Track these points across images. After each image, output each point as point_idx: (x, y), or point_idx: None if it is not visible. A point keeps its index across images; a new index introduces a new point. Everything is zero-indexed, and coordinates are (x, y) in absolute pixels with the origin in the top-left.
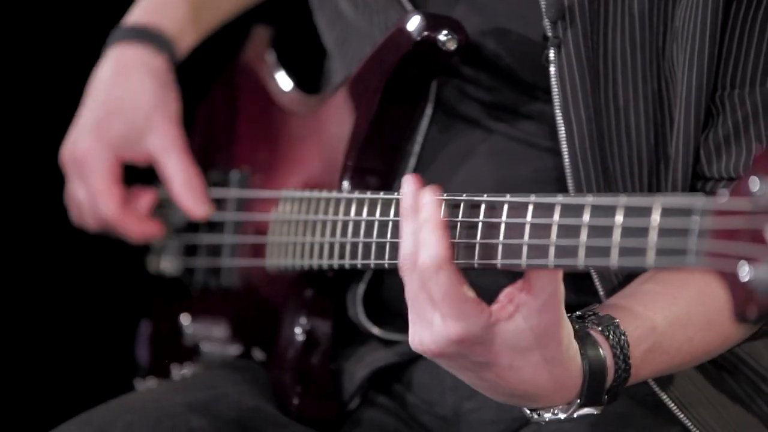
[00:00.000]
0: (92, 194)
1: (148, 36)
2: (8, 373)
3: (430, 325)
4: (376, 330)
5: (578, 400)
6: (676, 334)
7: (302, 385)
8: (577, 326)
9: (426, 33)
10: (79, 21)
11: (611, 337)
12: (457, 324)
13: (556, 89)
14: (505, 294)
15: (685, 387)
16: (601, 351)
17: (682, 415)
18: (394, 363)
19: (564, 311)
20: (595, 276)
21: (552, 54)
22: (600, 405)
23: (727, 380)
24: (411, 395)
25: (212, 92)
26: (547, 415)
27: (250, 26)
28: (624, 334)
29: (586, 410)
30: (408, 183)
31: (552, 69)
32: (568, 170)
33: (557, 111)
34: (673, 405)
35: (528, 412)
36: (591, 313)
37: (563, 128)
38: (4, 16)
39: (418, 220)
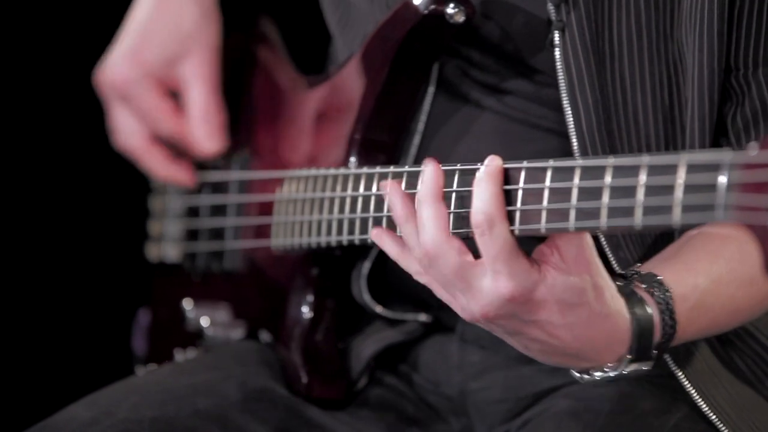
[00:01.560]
0: (146, 113)
1: None
2: (9, 361)
3: (480, 290)
4: (380, 309)
5: (628, 356)
6: (719, 292)
7: (310, 364)
8: (621, 284)
9: (433, 6)
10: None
11: (656, 293)
12: (510, 281)
13: (561, 73)
14: (536, 253)
15: (697, 364)
16: (647, 308)
17: (693, 392)
18: (401, 342)
19: (599, 264)
20: (611, 257)
21: (556, 37)
22: (649, 360)
23: (734, 359)
24: (417, 375)
25: None
26: (598, 374)
27: (250, 11)
28: (668, 291)
29: (635, 366)
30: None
31: (557, 52)
32: (577, 153)
33: (563, 95)
34: (685, 381)
35: (577, 374)
36: (633, 272)
37: (570, 112)
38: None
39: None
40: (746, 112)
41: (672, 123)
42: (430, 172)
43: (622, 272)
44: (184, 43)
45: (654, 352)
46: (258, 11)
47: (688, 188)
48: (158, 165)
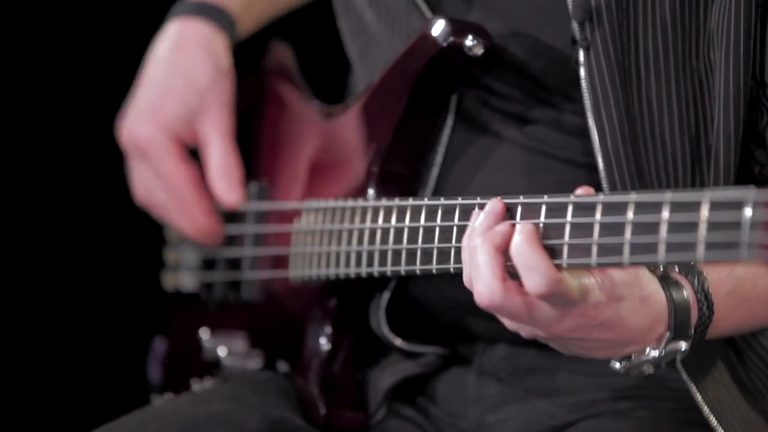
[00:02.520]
0: (168, 178)
1: (212, 12)
2: (25, 390)
3: (545, 320)
4: (398, 342)
5: (668, 334)
6: (755, 281)
7: (328, 396)
8: (656, 269)
9: (452, 38)
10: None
11: (690, 275)
12: (566, 306)
13: (586, 92)
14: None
15: (718, 392)
16: (684, 290)
17: (714, 421)
18: (418, 374)
19: None
20: None
21: (581, 56)
22: (689, 339)
23: (756, 383)
24: (435, 407)
25: None
26: (642, 358)
27: (266, 39)
28: (702, 273)
29: (676, 345)
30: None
31: (582, 71)
32: (602, 174)
33: (588, 114)
34: (705, 408)
35: (618, 365)
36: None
37: (596, 132)
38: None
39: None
40: None
41: (698, 141)
42: (482, 213)
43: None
44: (202, 98)
45: (692, 330)
46: (276, 38)
47: (712, 225)
48: (188, 225)
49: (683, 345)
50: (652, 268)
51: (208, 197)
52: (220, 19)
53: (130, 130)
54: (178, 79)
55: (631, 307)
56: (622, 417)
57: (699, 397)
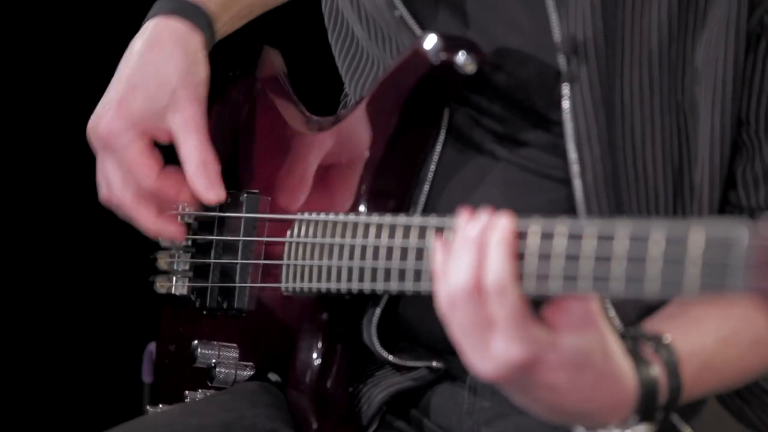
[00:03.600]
0: (127, 168)
1: (189, 11)
2: (18, 398)
3: (490, 352)
4: (390, 357)
5: (633, 417)
6: (726, 353)
7: (321, 409)
8: (626, 344)
9: (444, 54)
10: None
11: (663, 355)
12: (522, 347)
13: (569, 124)
14: (545, 313)
15: (707, 418)
16: (653, 368)
17: None
18: (411, 387)
19: (607, 324)
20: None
21: (566, 89)
22: (653, 421)
23: (744, 410)
24: (428, 420)
25: (215, 111)
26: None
27: (253, 46)
28: (675, 354)
29: (640, 428)
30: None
31: (566, 104)
32: (581, 206)
33: (570, 146)
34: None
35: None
36: (639, 332)
37: (576, 164)
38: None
39: (485, 246)
40: (755, 168)
41: (680, 176)
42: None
43: (629, 331)
44: (173, 94)
45: (659, 413)
46: (267, 45)
47: (703, 263)
48: (145, 220)
49: (648, 427)
50: (628, 343)
51: (169, 190)
52: (197, 17)
53: (96, 123)
54: (149, 74)
55: (592, 380)
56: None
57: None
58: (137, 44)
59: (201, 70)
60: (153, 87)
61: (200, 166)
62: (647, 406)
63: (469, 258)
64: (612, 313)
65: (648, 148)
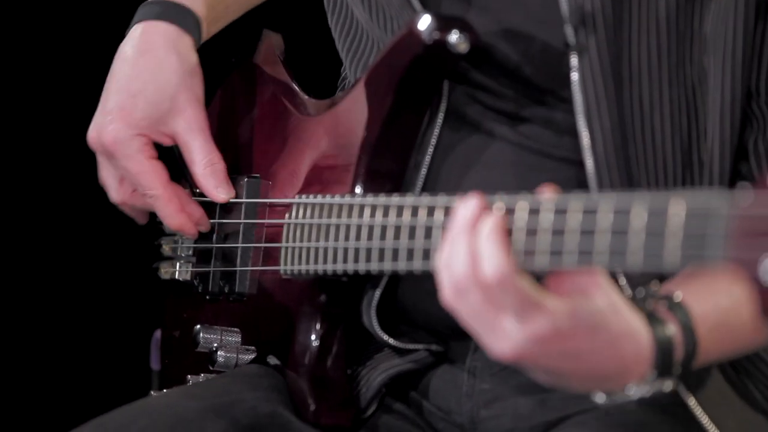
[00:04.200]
0: (134, 177)
1: (176, 13)
2: (22, 383)
3: (505, 333)
4: (391, 340)
5: (651, 373)
6: (740, 311)
7: (319, 391)
8: (639, 304)
9: (437, 34)
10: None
11: (676, 312)
12: (535, 322)
13: (578, 96)
14: (550, 283)
15: (710, 392)
16: (668, 327)
17: (707, 421)
18: (410, 370)
19: (611, 285)
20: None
21: (575, 60)
22: (672, 378)
23: (748, 386)
24: (427, 402)
25: (219, 97)
26: (621, 396)
27: (254, 31)
28: (688, 310)
29: (658, 384)
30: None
31: (574, 76)
32: (592, 179)
33: (580, 119)
34: (698, 409)
35: (600, 398)
36: (650, 292)
37: (586, 136)
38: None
39: (477, 235)
40: None
41: (690, 149)
42: (466, 204)
43: (639, 292)
44: (173, 98)
45: (677, 368)
46: (266, 28)
47: (684, 234)
48: (138, 216)
49: (668, 383)
50: (639, 303)
51: (180, 194)
52: (185, 19)
53: (98, 133)
54: (147, 81)
55: (608, 341)
56: (615, 411)
57: (691, 401)
58: (127, 51)
59: (196, 71)
60: (153, 93)
61: (208, 166)
62: (664, 360)
63: (464, 248)
64: (623, 281)
65: (657, 120)
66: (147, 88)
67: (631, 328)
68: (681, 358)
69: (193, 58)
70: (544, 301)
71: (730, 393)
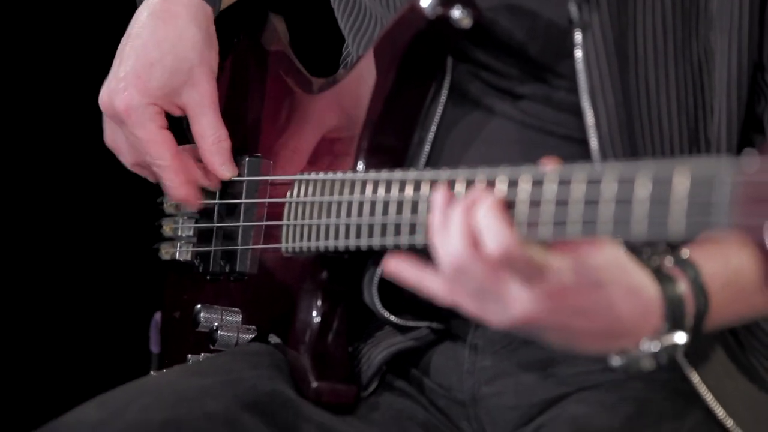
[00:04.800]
0: (144, 146)
1: None
2: (24, 362)
3: (512, 298)
4: (392, 318)
5: (664, 326)
6: (752, 270)
7: (320, 369)
8: (647, 261)
9: (439, 9)
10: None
11: (684, 268)
12: (542, 282)
13: (582, 74)
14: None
15: (713, 367)
16: (678, 283)
17: (709, 396)
18: (412, 347)
19: (613, 243)
20: None
21: (578, 37)
22: (684, 330)
23: (752, 361)
24: (429, 380)
25: (221, 77)
26: (639, 352)
27: (261, 12)
28: (696, 266)
29: (674, 337)
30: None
31: (578, 53)
32: (597, 155)
33: (584, 96)
34: (701, 384)
35: (616, 361)
36: (659, 250)
37: (591, 114)
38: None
39: (472, 214)
40: None
41: (696, 126)
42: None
43: (645, 249)
44: (190, 70)
45: (689, 320)
46: (269, 9)
47: (688, 202)
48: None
49: (682, 336)
50: (645, 261)
51: (187, 166)
52: None
53: (111, 97)
54: (166, 51)
55: (616, 295)
56: (616, 388)
57: (694, 376)
58: (146, 16)
59: (214, 44)
60: (170, 64)
61: (215, 143)
62: (675, 313)
63: (459, 228)
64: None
65: (663, 99)
66: (165, 58)
67: (637, 283)
68: (693, 312)
69: (212, 30)
70: (548, 260)
71: (732, 368)
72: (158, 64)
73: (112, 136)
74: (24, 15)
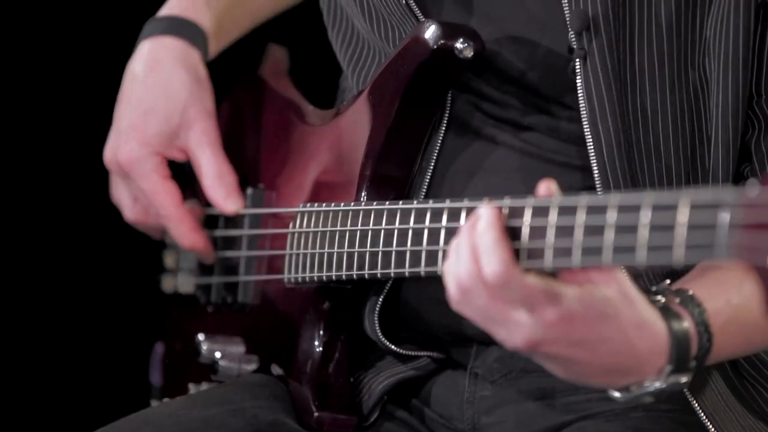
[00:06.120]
0: (148, 197)
1: (183, 28)
2: (25, 393)
3: (516, 324)
4: (393, 347)
5: (668, 366)
6: (752, 307)
7: (321, 399)
8: (653, 298)
9: (442, 41)
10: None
11: (689, 306)
12: (544, 310)
13: (582, 101)
14: (563, 273)
15: (713, 398)
16: (683, 320)
17: (710, 426)
18: (412, 377)
19: (625, 274)
20: None
21: (578, 66)
22: (688, 372)
23: (752, 392)
24: (429, 410)
25: (224, 108)
26: (638, 390)
27: (260, 45)
28: (701, 305)
29: (675, 378)
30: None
31: (578, 81)
32: (597, 183)
33: (585, 123)
34: (702, 414)
35: (617, 394)
36: (664, 288)
37: (591, 141)
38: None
39: (475, 240)
40: None
41: (693, 151)
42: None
43: (653, 288)
44: (184, 112)
45: (693, 363)
46: (269, 41)
47: (691, 227)
48: (153, 232)
49: (684, 378)
50: (653, 298)
51: (193, 213)
52: (192, 34)
53: (114, 152)
54: (158, 97)
55: (621, 330)
56: (617, 418)
57: (695, 404)
58: (137, 68)
59: (206, 84)
60: (164, 108)
61: (217, 178)
62: (680, 354)
63: (467, 249)
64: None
65: (659, 124)
66: (157, 104)
67: (645, 319)
68: (695, 352)
69: (202, 71)
70: (554, 287)
71: (732, 399)
72: (152, 111)
73: (117, 192)
74: (30, 19)
